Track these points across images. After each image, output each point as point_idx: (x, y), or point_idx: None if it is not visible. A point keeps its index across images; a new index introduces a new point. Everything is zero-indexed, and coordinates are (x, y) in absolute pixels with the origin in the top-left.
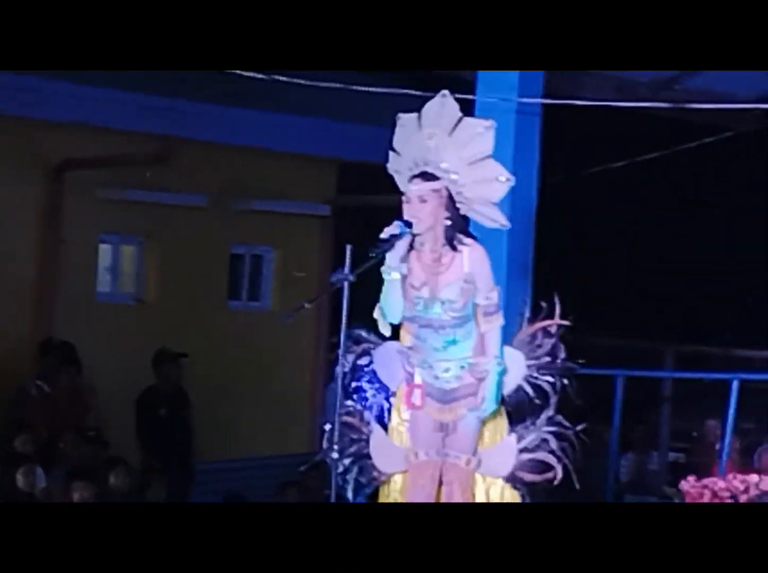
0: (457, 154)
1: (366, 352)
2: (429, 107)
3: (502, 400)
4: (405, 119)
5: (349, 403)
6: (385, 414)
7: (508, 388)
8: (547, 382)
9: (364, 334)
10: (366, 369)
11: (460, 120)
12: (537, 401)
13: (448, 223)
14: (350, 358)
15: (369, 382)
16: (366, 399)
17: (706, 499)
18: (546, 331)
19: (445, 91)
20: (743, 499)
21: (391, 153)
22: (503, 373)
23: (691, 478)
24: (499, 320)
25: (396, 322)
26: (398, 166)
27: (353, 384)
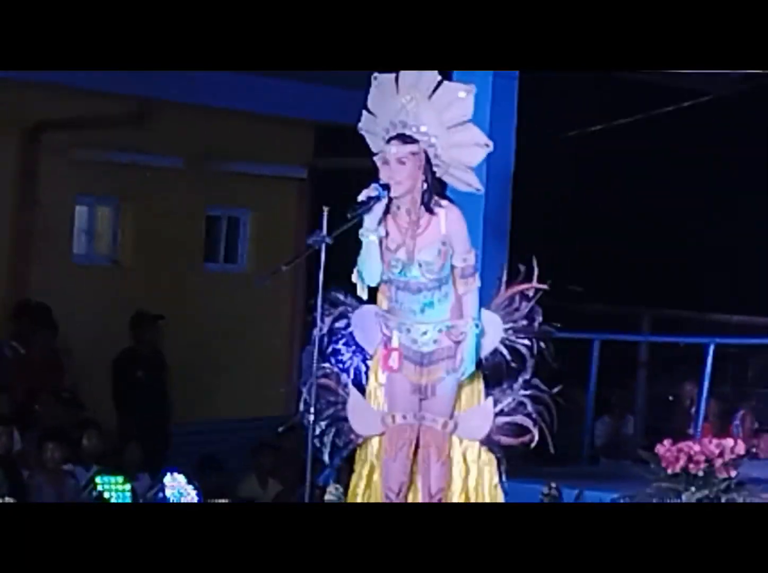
0: (436, 118)
1: (343, 315)
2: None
3: (479, 363)
4: (381, 80)
5: (326, 365)
6: (363, 377)
7: (486, 351)
8: (524, 345)
9: (341, 296)
10: (343, 332)
11: (439, 83)
12: (514, 364)
13: (426, 185)
14: (327, 320)
15: (346, 344)
16: (343, 361)
17: (682, 462)
18: (523, 295)
19: None
20: (718, 463)
21: (364, 113)
22: (481, 335)
23: (666, 442)
24: (476, 282)
25: (374, 284)
26: (372, 127)
27: (330, 346)
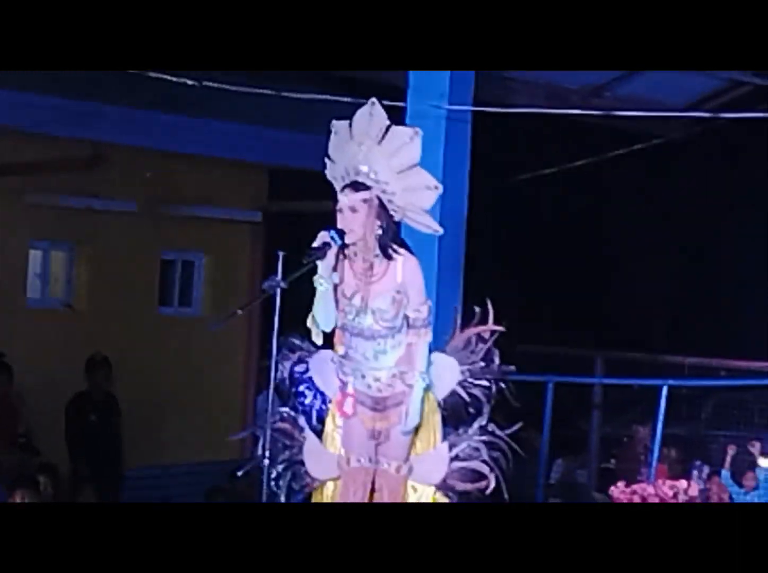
0: (386, 163)
1: (302, 360)
2: (359, 116)
3: (438, 406)
4: (338, 127)
5: (283, 409)
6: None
7: (443, 394)
8: (482, 387)
9: (297, 342)
10: (304, 376)
11: (388, 129)
12: (471, 409)
13: (380, 231)
14: (287, 364)
15: (308, 388)
16: (306, 405)
17: None
18: (480, 337)
19: (374, 99)
20: None
21: (327, 160)
22: (428, 388)
23: (620, 484)
24: (427, 335)
25: (328, 330)
26: (334, 173)
27: (293, 389)
